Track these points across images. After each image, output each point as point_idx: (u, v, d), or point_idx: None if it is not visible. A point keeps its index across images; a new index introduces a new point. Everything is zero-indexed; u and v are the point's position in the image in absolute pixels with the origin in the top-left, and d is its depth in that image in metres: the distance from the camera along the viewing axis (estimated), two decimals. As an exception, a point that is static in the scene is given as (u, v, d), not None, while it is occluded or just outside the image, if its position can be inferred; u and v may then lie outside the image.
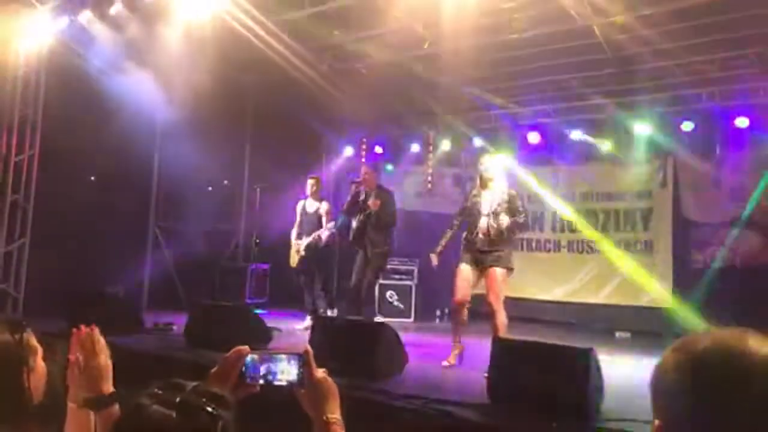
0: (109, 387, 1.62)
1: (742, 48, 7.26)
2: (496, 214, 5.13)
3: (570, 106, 9.01)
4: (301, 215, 7.64)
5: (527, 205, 9.75)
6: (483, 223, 5.15)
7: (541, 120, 9.40)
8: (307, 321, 7.13)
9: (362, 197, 6.93)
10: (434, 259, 5.61)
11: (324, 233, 7.32)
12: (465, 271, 5.17)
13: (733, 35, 6.92)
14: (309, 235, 7.41)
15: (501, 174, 5.29)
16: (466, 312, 5.23)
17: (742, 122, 7.86)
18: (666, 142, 8.54)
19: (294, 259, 7.55)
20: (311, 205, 7.61)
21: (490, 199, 5.22)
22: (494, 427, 3.58)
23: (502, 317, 5.01)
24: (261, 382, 1.39)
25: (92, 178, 8.10)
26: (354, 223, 7.00)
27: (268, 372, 1.39)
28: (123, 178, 8.02)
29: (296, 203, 7.80)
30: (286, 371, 1.39)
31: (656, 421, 0.83)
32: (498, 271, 5.07)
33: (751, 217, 8.10)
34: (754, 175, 8.06)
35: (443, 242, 5.60)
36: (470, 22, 6.52)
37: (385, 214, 6.80)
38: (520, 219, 5.15)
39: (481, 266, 5.15)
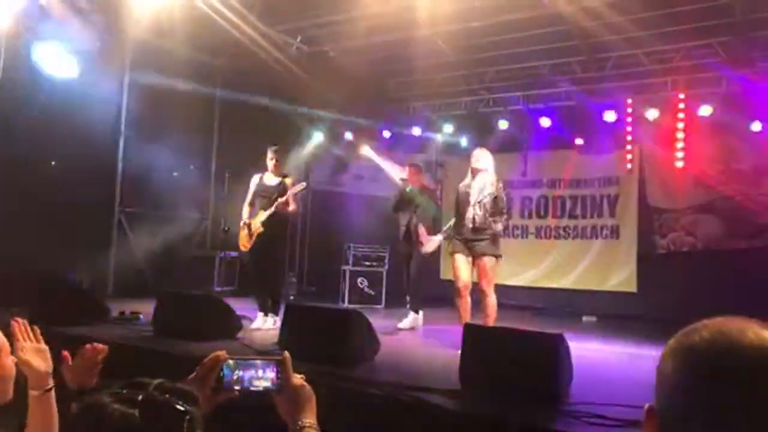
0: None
1: (707, 38, 7.38)
2: (481, 205, 5.43)
3: (539, 93, 9.08)
4: (256, 191, 6.44)
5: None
6: (469, 213, 5.43)
7: (510, 107, 9.45)
8: (259, 320, 6.23)
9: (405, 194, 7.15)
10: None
11: (296, 189, 6.22)
12: (460, 259, 5.47)
13: (698, 25, 7.03)
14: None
15: (490, 167, 5.54)
16: (469, 298, 5.48)
17: (705, 110, 8.01)
18: (632, 130, 8.67)
19: (246, 241, 6.34)
20: (272, 178, 6.43)
21: (478, 190, 5.49)
22: (465, 412, 3.60)
23: (492, 300, 5.38)
24: (238, 387, 1.38)
25: (53, 162, 7.85)
26: (402, 219, 7.13)
27: (246, 378, 1.38)
28: (86, 163, 7.77)
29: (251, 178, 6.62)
30: (264, 377, 1.39)
31: (647, 405, 0.83)
32: (488, 260, 5.40)
33: (713, 203, 8.31)
34: (717, 162, 8.24)
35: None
36: (441, 8, 6.49)
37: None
38: (498, 227, 5.47)
39: (471, 254, 5.45)
